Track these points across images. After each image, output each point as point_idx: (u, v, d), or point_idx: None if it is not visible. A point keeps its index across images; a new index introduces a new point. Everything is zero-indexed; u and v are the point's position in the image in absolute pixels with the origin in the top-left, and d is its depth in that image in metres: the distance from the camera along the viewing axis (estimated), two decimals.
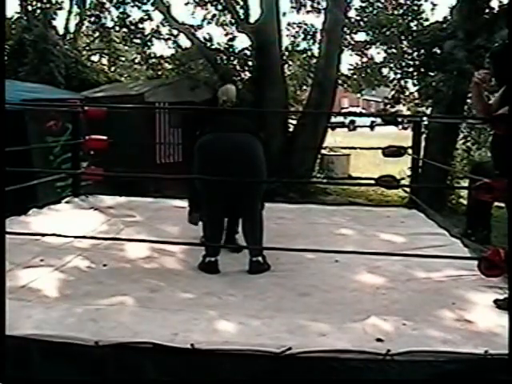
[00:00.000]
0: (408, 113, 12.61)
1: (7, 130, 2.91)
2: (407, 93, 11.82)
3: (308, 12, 12.92)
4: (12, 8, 14.38)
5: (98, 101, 9.59)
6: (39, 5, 13.35)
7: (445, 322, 2.56)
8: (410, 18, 11.24)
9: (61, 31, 14.79)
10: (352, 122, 26.90)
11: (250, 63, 11.26)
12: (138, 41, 13.44)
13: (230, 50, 11.61)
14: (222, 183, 3.32)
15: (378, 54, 12.19)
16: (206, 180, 3.35)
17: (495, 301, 2.77)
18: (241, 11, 11.53)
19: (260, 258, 3.36)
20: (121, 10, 12.96)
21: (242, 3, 11.57)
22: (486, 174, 2.90)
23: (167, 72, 12.99)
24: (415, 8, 11.37)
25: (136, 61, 14.74)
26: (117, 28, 13.76)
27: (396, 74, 11.65)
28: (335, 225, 4.72)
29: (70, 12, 15.43)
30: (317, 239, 4.11)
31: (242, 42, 12.64)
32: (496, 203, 3.80)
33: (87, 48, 16.31)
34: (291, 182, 9.58)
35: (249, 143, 3.41)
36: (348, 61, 29.96)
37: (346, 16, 11.16)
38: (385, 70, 12.06)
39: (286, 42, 12.24)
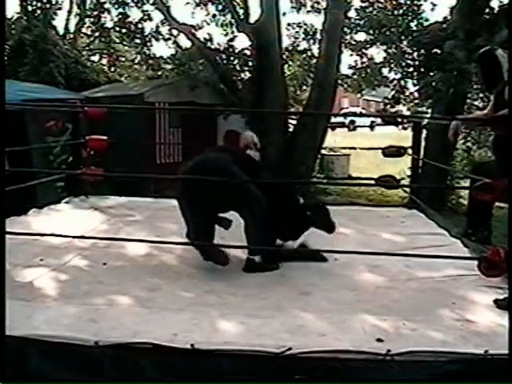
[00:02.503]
0: (408, 113, 12.62)
1: (7, 130, 2.91)
2: (407, 93, 11.82)
3: (308, 12, 12.94)
4: (12, 8, 14.42)
5: (97, 101, 9.59)
6: (39, 5, 13.35)
7: (445, 321, 2.56)
8: (409, 18, 11.24)
9: (61, 31, 14.82)
10: (352, 121, 26.89)
11: (250, 63, 11.25)
12: (137, 41, 13.45)
13: (230, 50, 11.61)
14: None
15: (378, 54, 12.22)
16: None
17: (495, 301, 2.77)
18: (241, 11, 11.53)
19: (256, 258, 3.34)
20: (120, 10, 13.00)
21: (241, 3, 11.56)
22: (488, 174, 2.90)
23: (167, 72, 12.99)
24: (415, 8, 11.37)
25: (136, 61, 14.74)
26: (117, 28, 13.78)
27: (396, 73, 11.65)
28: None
29: (69, 12, 15.44)
30: (317, 239, 4.11)
31: (242, 42, 12.66)
32: (496, 203, 3.80)
33: (87, 48, 16.31)
34: (291, 182, 9.56)
35: (215, 159, 3.45)
36: (348, 61, 29.97)
37: (346, 16, 11.15)
38: (385, 70, 12.07)
39: (286, 42, 12.27)
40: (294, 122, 10.62)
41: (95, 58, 16.53)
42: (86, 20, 15.19)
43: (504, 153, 3.02)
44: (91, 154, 6.18)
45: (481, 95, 10.21)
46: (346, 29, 11.50)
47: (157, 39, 13.12)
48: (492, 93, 3.44)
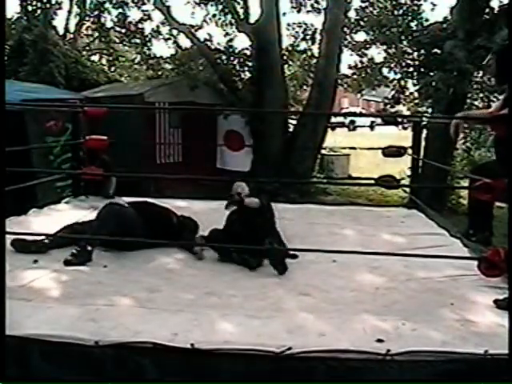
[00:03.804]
0: (408, 113, 12.61)
1: (7, 130, 2.91)
2: (407, 93, 11.81)
3: (308, 12, 12.93)
4: (12, 8, 14.40)
5: (97, 101, 9.58)
6: (39, 5, 13.34)
7: (445, 322, 2.56)
8: (409, 17, 11.24)
9: (61, 31, 14.82)
10: (352, 121, 26.90)
11: (250, 63, 11.25)
12: (137, 41, 13.45)
13: (230, 49, 11.61)
14: None
15: (378, 54, 12.19)
16: None
17: (495, 301, 2.77)
18: (241, 11, 11.53)
19: None
20: (120, 10, 13.00)
21: (242, 3, 11.56)
22: (489, 175, 2.91)
23: (167, 72, 12.99)
24: (415, 8, 11.37)
25: (136, 61, 14.74)
26: (117, 28, 13.78)
27: (396, 73, 11.65)
28: (335, 225, 4.71)
29: (69, 12, 15.44)
30: (317, 239, 4.11)
31: (242, 41, 12.65)
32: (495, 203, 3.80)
33: (87, 48, 16.29)
34: (292, 182, 9.58)
35: None
36: (348, 61, 29.98)
37: (346, 16, 11.15)
38: (385, 70, 12.05)
39: (286, 42, 12.26)
40: (294, 122, 10.63)
41: (95, 58, 16.53)
42: (86, 20, 15.20)
43: (505, 153, 3.03)
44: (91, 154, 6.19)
45: (481, 95, 10.22)
46: (345, 29, 11.51)
47: (157, 39, 13.12)
48: (502, 89, 3.42)
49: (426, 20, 11.10)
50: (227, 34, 12.29)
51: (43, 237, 3.53)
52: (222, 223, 4.20)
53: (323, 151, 12.05)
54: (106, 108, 5.47)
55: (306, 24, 12.93)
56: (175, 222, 3.99)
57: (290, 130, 10.69)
